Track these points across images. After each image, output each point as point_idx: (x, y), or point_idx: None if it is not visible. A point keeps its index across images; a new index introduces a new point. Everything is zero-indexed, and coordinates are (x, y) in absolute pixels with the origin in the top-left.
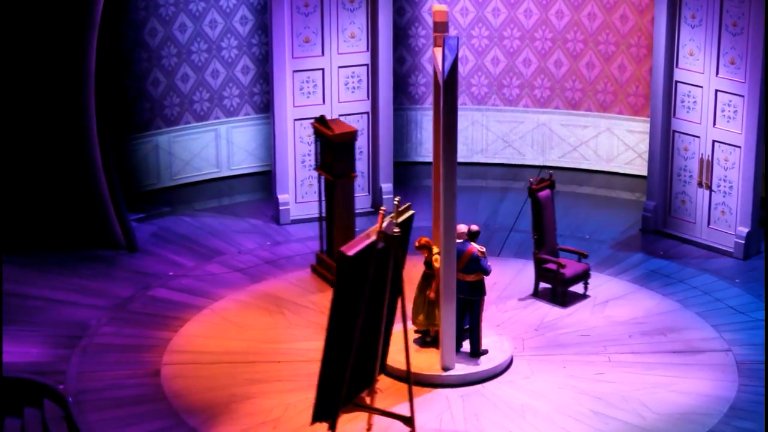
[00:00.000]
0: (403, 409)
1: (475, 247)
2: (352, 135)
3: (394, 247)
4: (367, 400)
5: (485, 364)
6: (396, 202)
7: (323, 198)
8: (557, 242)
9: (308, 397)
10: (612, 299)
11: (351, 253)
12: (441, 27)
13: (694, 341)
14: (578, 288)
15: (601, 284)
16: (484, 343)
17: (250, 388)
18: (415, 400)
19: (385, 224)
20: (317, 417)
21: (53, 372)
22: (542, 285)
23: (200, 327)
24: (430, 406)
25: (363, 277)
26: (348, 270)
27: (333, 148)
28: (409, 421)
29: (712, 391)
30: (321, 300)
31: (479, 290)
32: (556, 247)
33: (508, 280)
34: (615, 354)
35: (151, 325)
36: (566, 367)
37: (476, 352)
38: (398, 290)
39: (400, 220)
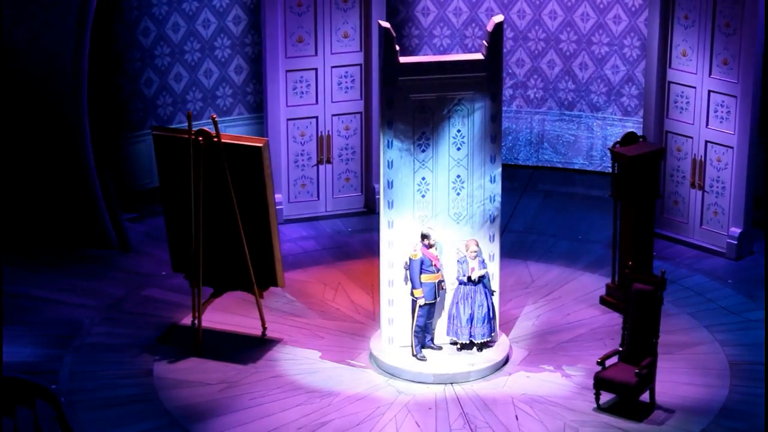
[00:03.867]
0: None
1: (415, 248)
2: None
3: (215, 150)
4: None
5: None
6: (213, 119)
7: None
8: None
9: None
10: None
11: (157, 132)
12: (487, 36)
13: (686, 342)
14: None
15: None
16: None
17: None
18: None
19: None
20: (173, 267)
21: (46, 372)
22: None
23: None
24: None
25: (181, 165)
26: (158, 148)
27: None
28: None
29: (704, 392)
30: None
31: (411, 292)
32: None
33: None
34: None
35: (143, 325)
36: (519, 418)
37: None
38: (255, 204)
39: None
